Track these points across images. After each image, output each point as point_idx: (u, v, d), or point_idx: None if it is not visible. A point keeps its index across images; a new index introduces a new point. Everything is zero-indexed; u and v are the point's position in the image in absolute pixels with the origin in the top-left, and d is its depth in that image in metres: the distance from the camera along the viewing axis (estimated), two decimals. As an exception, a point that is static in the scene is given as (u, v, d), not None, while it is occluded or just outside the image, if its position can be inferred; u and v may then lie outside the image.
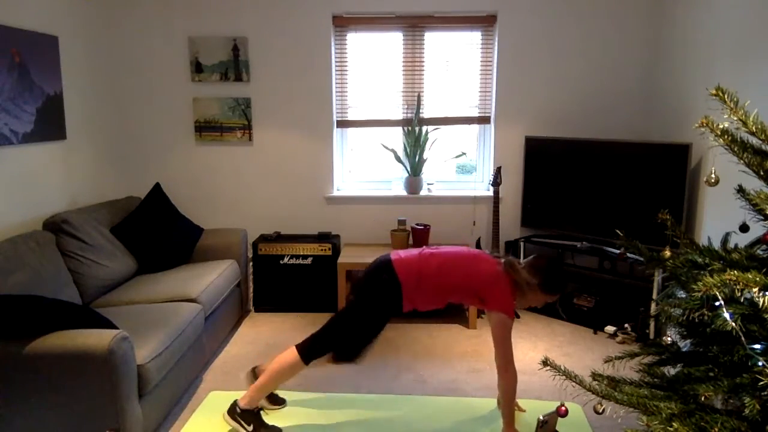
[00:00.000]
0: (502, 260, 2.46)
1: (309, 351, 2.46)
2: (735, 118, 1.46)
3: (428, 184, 4.35)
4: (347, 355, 2.46)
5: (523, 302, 2.48)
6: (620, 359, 1.78)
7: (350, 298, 2.58)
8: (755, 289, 1.29)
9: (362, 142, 4.42)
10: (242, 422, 2.48)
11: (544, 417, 2.41)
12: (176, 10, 4.06)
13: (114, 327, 2.34)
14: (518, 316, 3.98)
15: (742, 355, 1.38)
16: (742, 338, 1.32)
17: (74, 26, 3.64)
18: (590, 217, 3.82)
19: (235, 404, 2.51)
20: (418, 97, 4.18)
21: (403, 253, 2.53)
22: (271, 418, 2.67)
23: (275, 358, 2.52)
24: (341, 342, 2.48)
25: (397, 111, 4.25)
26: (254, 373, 2.72)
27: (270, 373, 2.47)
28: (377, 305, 2.46)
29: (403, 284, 2.42)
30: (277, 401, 2.79)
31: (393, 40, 4.16)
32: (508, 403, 2.45)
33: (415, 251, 2.53)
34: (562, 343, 3.54)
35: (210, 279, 3.35)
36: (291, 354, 2.47)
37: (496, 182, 3.94)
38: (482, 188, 4.34)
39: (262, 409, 2.55)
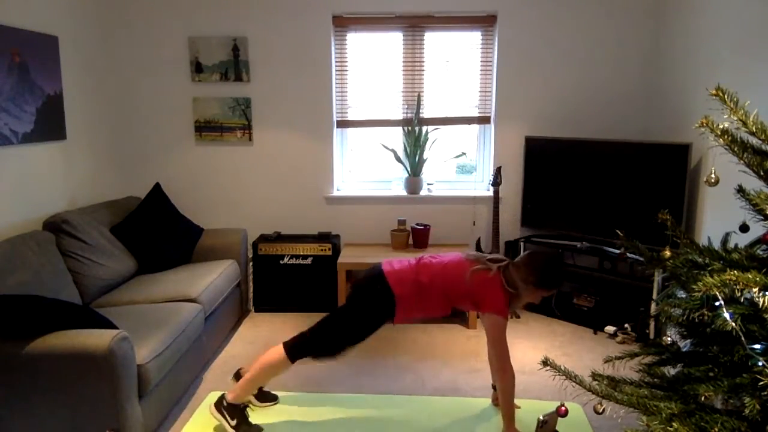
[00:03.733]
0: (496, 262, 2.47)
1: (296, 350, 2.49)
2: (735, 118, 1.46)
3: (428, 184, 4.35)
4: (329, 353, 2.47)
5: (520, 301, 2.48)
6: (620, 359, 1.78)
7: (346, 302, 2.59)
8: (755, 289, 1.29)
9: (362, 142, 4.42)
10: (226, 416, 2.48)
11: (544, 417, 2.41)
12: (176, 10, 4.06)
13: (114, 327, 2.34)
14: (518, 316, 3.98)
15: (742, 355, 1.39)
16: (742, 338, 1.32)
17: (74, 26, 3.64)
18: (590, 217, 3.82)
19: (222, 398, 2.53)
20: (418, 97, 4.18)
21: (396, 264, 2.53)
22: (270, 416, 2.67)
23: (263, 354, 2.53)
24: (328, 344, 2.49)
25: (397, 111, 4.25)
26: (239, 376, 2.74)
27: (256, 369, 2.50)
28: (369, 313, 2.48)
29: (397, 297, 2.44)
30: (267, 398, 2.80)
31: (393, 40, 4.16)
32: (507, 403, 2.45)
33: (409, 262, 2.54)
34: (562, 343, 3.54)
35: (210, 279, 3.35)
36: (278, 352, 2.49)
37: (496, 182, 3.94)
38: (482, 188, 4.34)
39: (248, 405, 2.56)
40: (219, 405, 2.51)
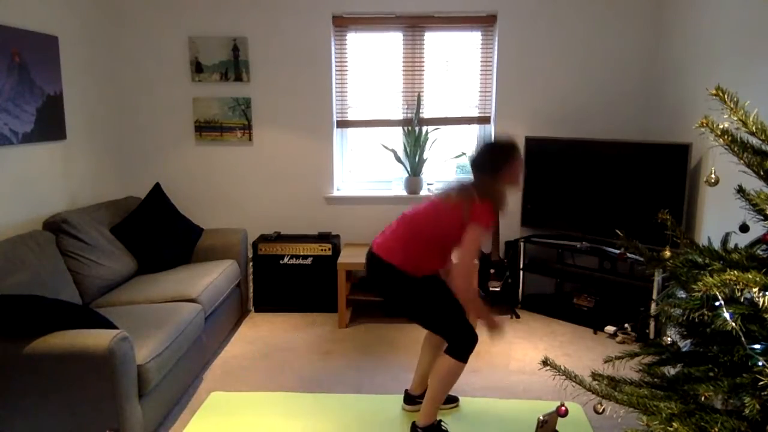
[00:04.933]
0: (464, 190, 2.40)
1: (460, 349, 2.41)
2: (735, 118, 1.46)
3: (428, 184, 4.35)
4: (463, 346, 2.43)
5: (502, 194, 2.39)
6: (620, 359, 1.78)
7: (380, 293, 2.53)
8: (755, 289, 1.29)
9: (362, 142, 4.42)
10: None
11: (544, 417, 2.41)
12: (176, 10, 4.06)
13: (114, 327, 2.34)
14: (518, 317, 3.98)
15: (742, 355, 1.38)
16: (742, 338, 1.32)
17: (74, 26, 3.64)
18: (590, 217, 3.82)
19: (415, 428, 2.48)
20: (418, 97, 4.18)
21: (379, 237, 2.51)
22: (270, 416, 2.67)
23: (435, 371, 2.45)
24: (459, 320, 2.41)
25: (397, 111, 4.25)
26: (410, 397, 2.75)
27: (436, 386, 2.43)
28: (402, 291, 2.42)
29: (396, 265, 2.39)
30: (449, 400, 2.78)
31: (393, 40, 4.16)
32: (473, 309, 2.38)
33: (391, 227, 2.50)
34: (562, 343, 3.54)
35: (210, 279, 3.35)
36: (448, 361, 2.41)
37: (496, 182, 3.93)
38: (482, 188, 4.34)
39: (441, 420, 2.54)
40: None
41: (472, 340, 2.40)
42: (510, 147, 2.41)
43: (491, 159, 2.39)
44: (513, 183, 2.43)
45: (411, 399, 2.74)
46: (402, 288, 2.42)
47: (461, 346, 2.40)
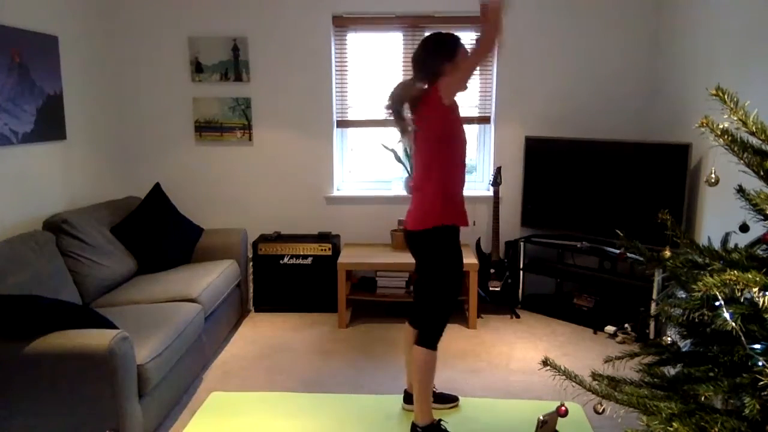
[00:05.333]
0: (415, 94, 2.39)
1: (427, 337, 2.41)
2: (735, 118, 1.46)
3: (428, 184, 4.34)
4: (444, 314, 2.43)
5: (453, 88, 2.31)
6: (620, 359, 1.78)
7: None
8: (755, 289, 1.29)
9: (362, 142, 4.42)
10: None
11: (544, 417, 2.41)
12: (176, 10, 4.06)
13: (114, 327, 2.34)
14: (518, 316, 3.98)
15: (742, 355, 1.38)
16: (742, 338, 1.32)
17: (74, 26, 3.64)
18: (590, 217, 3.82)
19: (414, 428, 2.47)
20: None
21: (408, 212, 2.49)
22: (270, 416, 2.67)
23: (413, 366, 2.45)
24: (438, 306, 2.41)
25: (397, 111, 4.24)
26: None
27: (416, 380, 2.43)
28: (443, 258, 2.40)
29: (426, 223, 2.36)
30: (448, 400, 2.78)
31: (393, 40, 4.16)
32: (488, 37, 2.22)
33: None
34: (562, 343, 3.54)
35: (210, 279, 3.35)
36: (418, 352, 2.42)
37: (496, 182, 3.94)
38: (482, 188, 4.34)
39: (441, 420, 2.53)
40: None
41: (442, 330, 2.43)
42: (444, 40, 2.34)
43: (428, 56, 2.35)
44: (454, 84, 2.29)
45: (410, 398, 2.74)
46: (431, 247, 2.39)
47: (432, 335, 2.42)
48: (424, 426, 2.45)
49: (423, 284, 2.46)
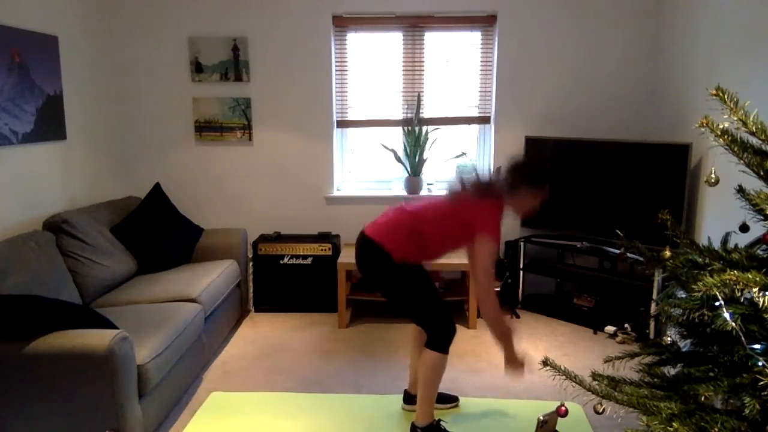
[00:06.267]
0: (480, 187, 2.39)
1: (438, 341, 2.40)
2: (735, 118, 1.46)
3: (428, 184, 4.35)
4: (441, 339, 2.43)
5: (517, 210, 2.40)
6: (620, 359, 1.78)
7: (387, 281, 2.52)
8: (755, 289, 1.29)
9: (362, 142, 4.42)
10: None
11: (544, 417, 2.41)
12: (176, 10, 4.06)
13: (114, 327, 2.34)
14: (518, 317, 3.98)
15: (742, 355, 1.38)
16: (742, 338, 1.32)
17: (74, 26, 3.64)
18: (590, 217, 3.82)
19: (414, 428, 2.47)
20: (418, 97, 4.18)
21: (372, 225, 2.48)
22: (271, 416, 2.67)
23: (421, 368, 2.44)
24: (440, 315, 2.40)
25: (397, 111, 4.25)
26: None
27: (425, 382, 2.42)
28: (386, 275, 2.41)
29: (386, 248, 2.37)
30: (449, 400, 2.78)
31: (393, 40, 4.16)
32: (499, 335, 2.38)
33: (389, 214, 2.47)
34: (562, 343, 3.54)
35: (210, 279, 3.35)
36: (430, 355, 2.41)
37: (496, 182, 3.93)
38: (482, 188, 4.34)
39: (440, 420, 2.53)
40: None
41: (449, 331, 2.41)
42: (542, 171, 2.37)
43: (524, 170, 2.37)
44: (525, 205, 2.41)
45: (410, 398, 2.74)
46: (387, 272, 2.41)
47: (439, 338, 2.40)
48: (423, 426, 2.45)
49: (397, 302, 2.47)
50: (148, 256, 3.52)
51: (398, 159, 4.24)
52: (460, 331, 3.72)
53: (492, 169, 4.06)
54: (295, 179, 4.28)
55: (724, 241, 1.68)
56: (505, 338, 2.40)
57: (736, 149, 1.47)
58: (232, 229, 4.02)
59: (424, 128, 4.18)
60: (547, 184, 2.40)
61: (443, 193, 2.48)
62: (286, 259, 4.02)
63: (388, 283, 2.43)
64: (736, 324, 1.30)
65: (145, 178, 4.29)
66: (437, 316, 2.41)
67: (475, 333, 3.69)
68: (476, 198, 2.37)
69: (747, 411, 1.27)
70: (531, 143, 4.01)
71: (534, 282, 4.25)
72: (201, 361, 3.10)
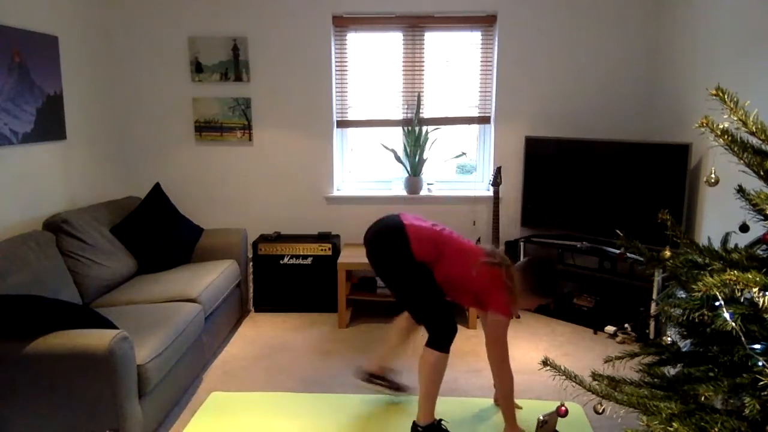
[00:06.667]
0: (500, 264, 2.44)
1: (439, 341, 2.41)
2: (735, 118, 1.46)
3: (428, 184, 4.35)
4: (443, 339, 2.45)
5: (517, 306, 2.47)
6: (620, 359, 1.78)
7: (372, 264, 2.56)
8: (755, 289, 1.29)
9: (362, 142, 4.42)
10: None
11: (544, 417, 2.41)
12: (176, 10, 4.06)
13: (114, 327, 2.34)
14: (518, 316, 3.98)
15: (742, 355, 1.38)
16: (742, 338, 1.32)
17: (74, 26, 3.64)
18: (590, 217, 3.82)
19: (415, 427, 2.48)
20: (418, 97, 4.18)
21: (415, 221, 2.49)
22: (271, 416, 2.67)
23: (421, 366, 2.45)
24: (440, 310, 2.42)
25: (397, 111, 4.25)
26: (376, 373, 2.77)
27: (426, 381, 2.43)
28: (408, 268, 2.42)
29: (414, 251, 2.39)
30: (399, 388, 2.82)
31: (393, 40, 4.16)
32: (507, 403, 2.45)
33: (430, 227, 2.48)
34: (562, 343, 3.54)
35: (210, 279, 3.35)
36: (431, 354, 2.41)
37: (496, 182, 3.94)
38: (482, 188, 4.34)
39: (441, 420, 2.53)
40: None
41: (451, 331, 2.41)
42: (551, 286, 2.42)
43: (535, 277, 2.41)
44: (526, 305, 2.48)
45: (374, 377, 2.78)
46: (403, 264, 2.41)
47: (441, 337, 2.41)
48: (424, 426, 2.45)
49: (403, 295, 2.48)
50: (148, 256, 3.52)
51: (398, 159, 4.24)
52: (461, 331, 3.72)
53: (493, 169, 4.08)
54: (295, 179, 4.28)
55: (724, 241, 1.68)
56: (510, 410, 2.45)
57: (736, 149, 1.47)
58: (232, 229, 4.02)
59: (424, 128, 4.18)
60: (551, 297, 2.46)
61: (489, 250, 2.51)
62: (286, 259, 4.02)
63: (401, 274, 2.43)
64: (736, 324, 1.30)
65: (145, 178, 4.29)
66: (441, 314, 2.41)
67: (475, 333, 3.69)
68: (498, 271, 2.41)
69: (747, 411, 1.27)
70: (531, 143, 4.01)
71: (534, 282, 4.24)
72: (201, 361, 3.10)
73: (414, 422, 2.49)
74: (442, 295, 2.45)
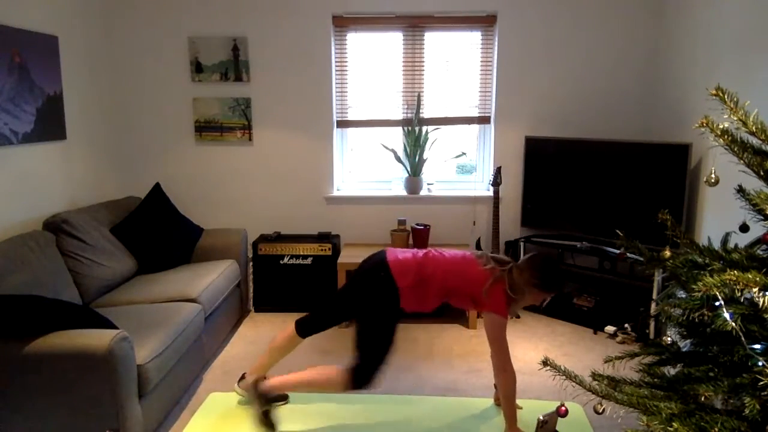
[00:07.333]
0: (500, 263, 2.47)
1: (359, 377, 2.40)
2: (735, 118, 1.46)
3: (428, 184, 4.35)
4: (365, 377, 2.45)
5: (521, 302, 2.49)
6: (620, 359, 1.78)
7: (344, 291, 2.62)
8: (755, 289, 1.29)
9: (362, 142, 4.42)
10: (257, 400, 2.52)
11: (544, 417, 2.41)
12: (176, 10, 4.06)
13: (114, 327, 2.34)
14: (518, 316, 3.98)
15: (742, 355, 1.38)
16: (742, 338, 1.32)
17: (74, 26, 3.64)
18: (590, 217, 3.82)
19: (242, 378, 2.61)
20: (418, 97, 4.18)
21: (400, 254, 2.53)
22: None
23: (315, 369, 2.47)
24: (378, 359, 2.42)
25: (397, 111, 4.25)
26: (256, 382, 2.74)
27: (307, 380, 2.45)
28: (381, 308, 2.45)
29: (400, 288, 2.43)
30: (278, 398, 2.79)
31: (393, 40, 4.16)
32: (508, 403, 2.45)
33: (411, 252, 2.54)
34: (562, 343, 3.54)
35: (210, 279, 3.35)
36: (336, 373, 2.41)
37: (496, 182, 3.94)
38: (482, 188, 4.34)
39: (268, 410, 2.53)
40: (247, 384, 2.56)
41: (376, 375, 2.41)
42: (556, 280, 2.44)
43: (539, 272, 2.42)
44: (531, 302, 2.50)
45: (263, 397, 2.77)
46: (382, 303, 2.44)
47: (365, 374, 2.40)
48: (248, 385, 2.52)
49: (366, 331, 2.47)
50: (148, 256, 3.52)
51: (398, 159, 4.24)
52: (461, 331, 3.72)
53: (493, 169, 4.07)
54: (295, 179, 4.28)
55: (724, 241, 1.68)
56: (511, 410, 2.46)
57: (736, 149, 1.47)
58: (232, 229, 4.02)
59: (424, 128, 4.18)
60: (556, 291, 2.47)
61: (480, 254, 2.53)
62: (286, 259, 4.02)
63: (378, 316, 2.44)
64: (736, 324, 1.30)
65: (145, 178, 4.29)
66: (382, 357, 2.43)
67: (475, 333, 3.69)
68: (493, 274, 2.42)
69: (747, 411, 1.27)
70: (531, 143, 4.01)
71: (534, 282, 4.24)
72: (201, 361, 3.10)
73: (243, 374, 2.66)
74: (390, 341, 2.45)
